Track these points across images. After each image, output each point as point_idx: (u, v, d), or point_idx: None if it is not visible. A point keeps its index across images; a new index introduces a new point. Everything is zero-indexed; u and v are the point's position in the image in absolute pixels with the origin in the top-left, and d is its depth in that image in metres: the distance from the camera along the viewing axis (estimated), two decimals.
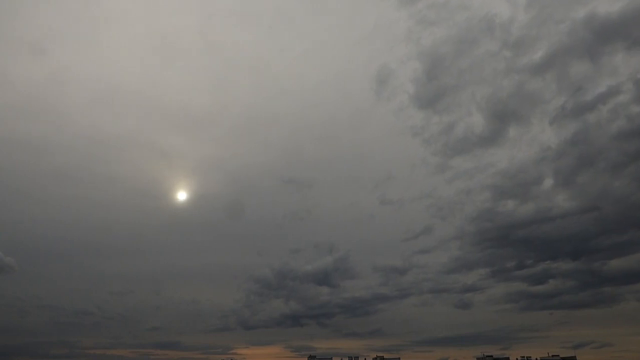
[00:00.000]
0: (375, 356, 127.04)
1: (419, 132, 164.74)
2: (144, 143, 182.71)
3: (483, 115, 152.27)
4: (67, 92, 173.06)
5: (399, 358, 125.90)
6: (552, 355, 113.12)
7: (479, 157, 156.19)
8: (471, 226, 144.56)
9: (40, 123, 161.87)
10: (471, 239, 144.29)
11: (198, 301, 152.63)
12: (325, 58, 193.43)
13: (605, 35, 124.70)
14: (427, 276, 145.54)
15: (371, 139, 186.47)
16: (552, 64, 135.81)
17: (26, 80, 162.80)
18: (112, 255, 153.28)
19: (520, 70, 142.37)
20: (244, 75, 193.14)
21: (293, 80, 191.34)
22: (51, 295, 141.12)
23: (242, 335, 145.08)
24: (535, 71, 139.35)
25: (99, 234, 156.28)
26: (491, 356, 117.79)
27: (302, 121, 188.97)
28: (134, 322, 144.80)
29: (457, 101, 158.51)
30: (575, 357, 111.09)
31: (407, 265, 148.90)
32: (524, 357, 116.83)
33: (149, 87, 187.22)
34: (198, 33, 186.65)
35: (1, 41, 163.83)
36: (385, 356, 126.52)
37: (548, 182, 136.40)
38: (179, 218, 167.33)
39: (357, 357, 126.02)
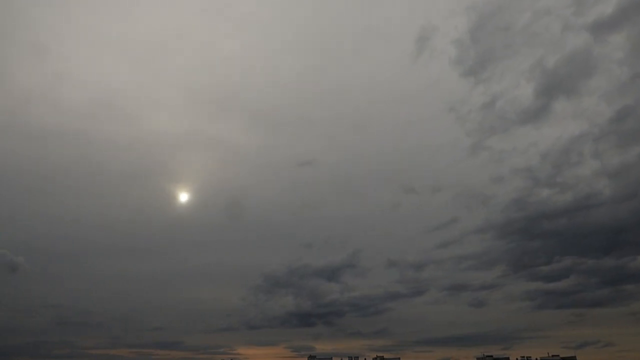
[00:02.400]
0: (375, 356, 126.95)
1: (456, 106, 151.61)
2: (147, 139, 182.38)
3: (531, 86, 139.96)
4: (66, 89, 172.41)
5: (399, 358, 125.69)
6: (553, 355, 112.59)
7: (518, 137, 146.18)
8: (500, 217, 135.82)
9: (40, 119, 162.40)
10: (497, 232, 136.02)
11: (201, 301, 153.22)
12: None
13: None
14: (445, 273, 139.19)
15: (396, 123, 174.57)
16: (622, 22, 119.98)
17: (26, 77, 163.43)
18: (115, 254, 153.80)
19: (581, 29, 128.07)
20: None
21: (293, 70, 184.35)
22: (54, 295, 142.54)
23: (245, 335, 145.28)
24: (599, 31, 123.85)
25: (102, 232, 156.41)
26: (491, 356, 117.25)
27: (307, 113, 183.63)
28: (136, 322, 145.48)
29: (501, 69, 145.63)
30: (575, 357, 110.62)
31: (424, 260, 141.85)
32: (524, 357, 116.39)
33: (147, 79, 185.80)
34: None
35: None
36: (385, 356, 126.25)
37: (587, 166, 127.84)
38: (183, 216, 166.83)
39: (357, 357, 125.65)
